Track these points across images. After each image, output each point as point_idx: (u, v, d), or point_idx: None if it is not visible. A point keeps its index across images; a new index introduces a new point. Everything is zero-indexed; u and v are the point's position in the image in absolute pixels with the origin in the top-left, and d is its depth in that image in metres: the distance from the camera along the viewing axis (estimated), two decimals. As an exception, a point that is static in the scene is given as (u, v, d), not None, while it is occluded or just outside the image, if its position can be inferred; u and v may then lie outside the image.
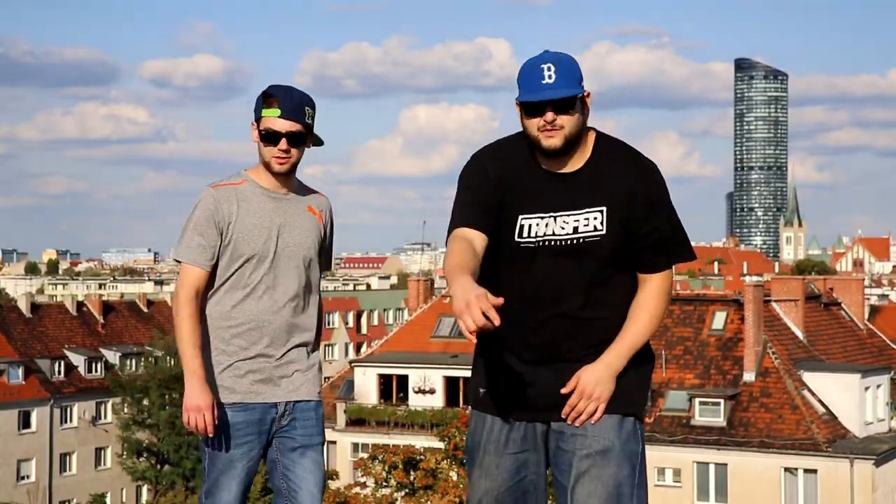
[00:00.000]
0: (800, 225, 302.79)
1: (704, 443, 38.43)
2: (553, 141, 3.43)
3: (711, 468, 38.49)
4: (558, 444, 3.58)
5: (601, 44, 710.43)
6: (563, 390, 3.52)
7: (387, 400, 45.25)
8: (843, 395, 38.78)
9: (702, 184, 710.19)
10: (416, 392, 44.87)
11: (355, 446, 42.61)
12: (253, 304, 3.91)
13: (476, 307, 3.10)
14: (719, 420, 38.86)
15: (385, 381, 45.54)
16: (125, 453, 58.83)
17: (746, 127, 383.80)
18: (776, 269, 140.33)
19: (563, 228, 3.50)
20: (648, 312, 3.55)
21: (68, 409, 58.35)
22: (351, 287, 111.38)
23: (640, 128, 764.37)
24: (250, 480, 3.99)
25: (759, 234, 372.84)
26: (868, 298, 58.05)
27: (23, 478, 55.75)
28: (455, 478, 27.16)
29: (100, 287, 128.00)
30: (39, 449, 56.34)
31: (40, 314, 61.76)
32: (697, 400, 39.23)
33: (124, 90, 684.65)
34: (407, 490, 27.90)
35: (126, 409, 58.94)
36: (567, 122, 3.42)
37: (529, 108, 3.43)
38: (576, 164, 3.53)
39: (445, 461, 27.90)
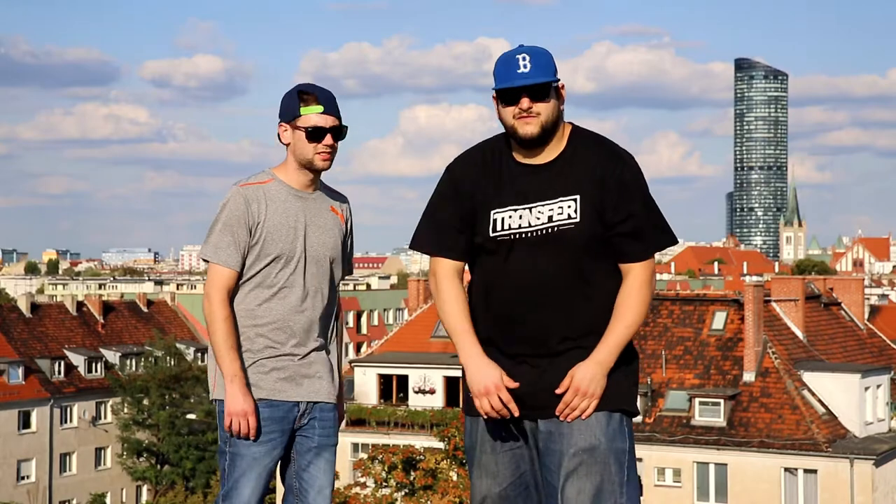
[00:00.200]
0: (800, 225, 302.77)
1: (704, 443, 38.42)
2: (529, 128, 3.49)
3: (711, 468, 38.48)
4: (546, 444, 3.60)
5: (601, 44, 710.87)
6: (558, 390, 3.53)
7: (387, 400, 45.24)
8: (843, 395, 38.77)
9: (702, 184, 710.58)
10: (416, 392, 44.86)
11: (355, 446, 42.59)
12: (278, 302, 3.91)
13: (496, 396, 3.49)
14: (719, 420, 38.85)
15: (385, 381, 45.52)
16: (125, 453, 58.87)
17: (746, 127, 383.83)
18: (776, 269, 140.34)
19: (538, 219, 3.53)
20: (633, 307, 3.57)
21: (68, 409, 58.36)
22: (351, 287, 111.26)
23: (640, 128, 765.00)
24: (269, 481, 3.98)
25: (759, 234, 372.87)
26: (868, 298, 58.04)
27: (23, 478, 55.76)
28: (455, 478, 27.14)
29: (100, 287, 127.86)
30: (39, 449, 56.35)
31: (40, 314, 61.77)
32: (697, 400, 39.21)
33: (124, 90, 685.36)
34: (407, 490, 27.89)
35: (126, 409, 58.97)
36: (543, 109, 3.49)
37: (505, 97, 3.50)
38: (550, 155, 3.57)
39: (445, 461, 27.89)
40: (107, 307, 65.99)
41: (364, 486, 28.05)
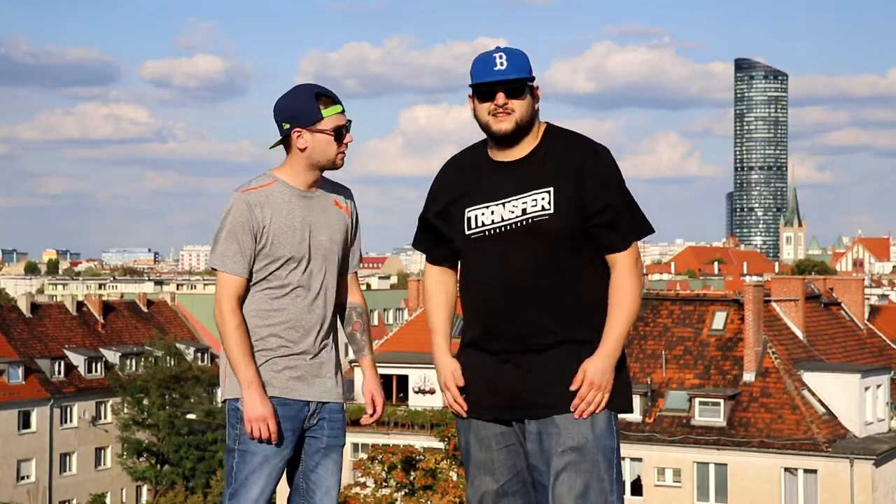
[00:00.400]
0: (800, 225, 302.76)
1: (704, 443, 38.42)
2: (503, 125, 3.56)
3: (711, 468, 38.48)
4: (535, 444, 3.62)
5: (601, 44, 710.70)
6: (573, 386, 3.55)
7: (387, 400, 45.24)
8: (843, 395, 38.77)
9: (702, 184, 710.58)
10: (416, 392, 44.88)
11: (355, 446, 42.58)
12: (290, 302, 3.91)
13: (447, 391, 3.72)
14: (719, 420, 38.85)
15: (385, 381, 45.51)
16: (125, 453, 58.86)
17: (746, 127, 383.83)
18: (776, 269, 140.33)
19: (511, 212, 3.58)
20: (627, 295, 3.60)
21: (68, 409, 58.36)
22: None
23: (640, 128, 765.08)
24: (278, 481, 3.97)
25: (759, 234, 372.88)
26: (868, 298, 58.03)
27: (23, 478, 55.76)
28: (455, 478, 27.16)
29: (100, 287, 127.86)
30: (39, 449, 56.35)
31: (40, 314, 61.77)
32: (697, 400, 39.21)
33: (124, 90, 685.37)
34: (407, 490, 27.90)
35: (126, 409, 58.98)
36: (518, 106, 3.56)
37: (481, 94, 3.57)
38: (523, 152, 3.63)
39: (445, 461, 27.90)
40: (107, 307, 65.99)
41: (364, 486, 28.06)
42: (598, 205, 3.56)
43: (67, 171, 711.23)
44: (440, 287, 3.82)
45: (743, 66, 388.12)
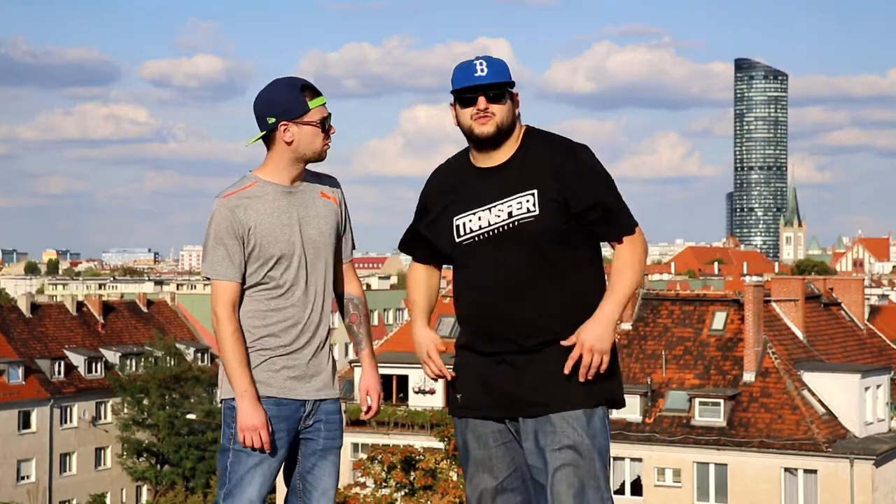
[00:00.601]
0: (800, 225, 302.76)
1: (704, 443, 38.42)
2: (485, 128, 3.64)
3: (711, 468, 38.47)
4: (530, 443, 3.66)
5: (601, 44, 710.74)
6: (564, 342, 3.60)
7: (387, 400, 45.23)
8: (843, 395, 38.77)
9: (702, 184, 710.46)
10: (416, 392, 44.88)
11: (355, 446, 42.59)
12: (286, 301, 3.88)
13: (430, 361, 3.87)
14: (719, 420, 38.85)
15: (385, 381, 45.51)
16: (125, 453, 58.86)
17: (746, 127, 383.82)
18: (776, 269, 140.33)
19: (498, 217, 3.65)
20: (628, 264, 3.66)
21: (68, 409, 58.35)
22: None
23: (640, 128, 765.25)
24: (273, 482, 3.95)
25: (759, 234, 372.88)
26: (868, 298, 58.02)
27: (23, 478, 55.76)
28: (455, 478, 27.15)
29: (100, 287, 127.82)
30: (39, 449, 56.35)
31: (40, 314, 61.76)
32: (697, 400, 39.21)
33: (124, 90, 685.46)
34: (406, 490, 27.89)
35: (126, 409, 58.97)
36: (499, 110, 3.64)
37: (463, 100, 3.66)
38: (505, 156, 3.70)
39: (445, 461, 27.90)
40: (107, 307, 65.99)
41: (364, 486, 28.05)
42: (585, 202, 3.62)
43: (67, 171, 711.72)
44: (424, 274, 3.97)
45: (743, 66, 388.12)
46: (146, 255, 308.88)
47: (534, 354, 3.64)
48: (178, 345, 62.83)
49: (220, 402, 3.97)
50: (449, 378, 3.79)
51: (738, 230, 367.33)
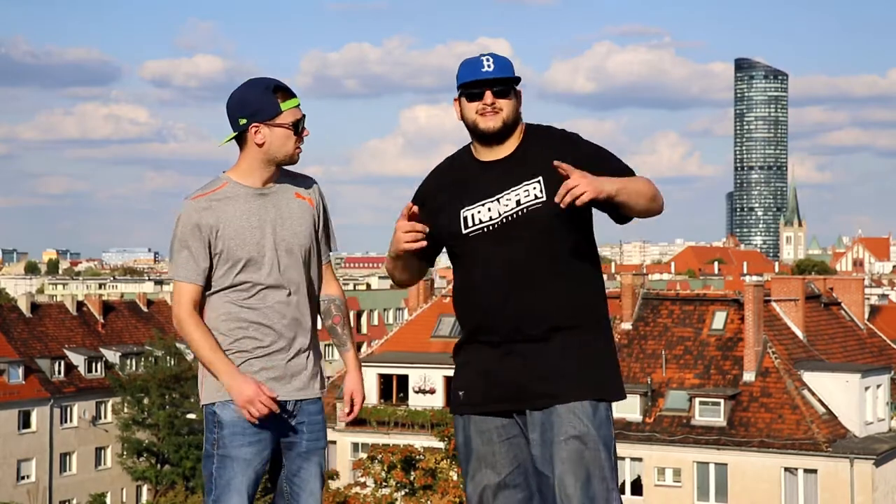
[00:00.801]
0: (800, 225, 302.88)
1: (704, 443, 38.42)
2: (491, 123, 3.68)
3: (711, 468, 38.48)
4: (537, 434, 3.67)
5: (602, 44, 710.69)
6: (556, 162, 3.58)
7: (387, 400, 45.25)
8: (843, 394, 38.78)
9: (702, 184, 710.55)
10: (416, 392, 44.88)
11: (355, 446, 42.61)
12: (260, 302, 3.84)
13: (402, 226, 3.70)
14: (719, 420, 38.86)
15: (385, 380, 45.54)
16: (125, 453, 58.84)
17: (746, 127, 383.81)
18: (776, 269, 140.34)
19: (506, 206, 3.68)
20: (648, 182, 3.70)
21: (68, 409, 58.34)
22: (351, 287, 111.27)
23: (640, 128, 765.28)
24: (258, 484, 3.92)
25: (759, 234, 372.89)
26: (868, 298, 58.02)
27: (23, 478, 55.75)
28: (455, 477, 27.15)
29: (100, 287, 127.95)
30: (39, 449, 56.34)
31: (40, 314, 61.75)
32: (697, 400, 39.22)
33: (124, 90, 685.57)
34: (406, 490, 27.89)
35: (126, 409, 58.95)
36: (505, 105, 3.69)
37: (470, 94, 3.69)
38: (508, 150, 3.74)
39: (445, 461, 27.90)
40: (107, 307, 65.97)
41: (364, 485, 28.04)
42: (608, 174, 3.64)
43: (67, 171, 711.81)
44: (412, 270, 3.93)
45: (743, 66, 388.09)
46: (146, 254, 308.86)
47: (541, 344, 3.66)
48: (178, 344, 62.75)
49: (201, 407, 3.93)
50: (413, 210, 3.70)
51: (738, 230, 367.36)
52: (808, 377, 39.75)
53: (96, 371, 60.02)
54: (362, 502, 27.01)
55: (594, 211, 3.75)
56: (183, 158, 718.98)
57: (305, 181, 3.99)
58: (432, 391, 44.59)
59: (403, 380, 45.27)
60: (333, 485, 28.76)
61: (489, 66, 3.68)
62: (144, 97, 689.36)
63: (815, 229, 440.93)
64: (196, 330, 3.78)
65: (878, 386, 39.81)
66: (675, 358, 41.31)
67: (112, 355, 61.48)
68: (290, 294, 3.88)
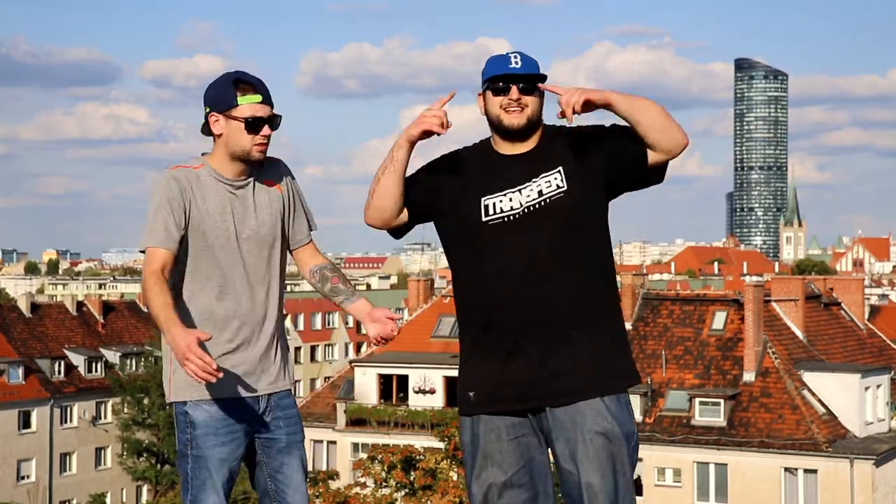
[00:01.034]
0: (800, 225, 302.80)
1: (704, 443, 38.41)
2: (516, 119, 3.69)
3: (711, 468, 38.47)
4: (557, 432, 3.65)
5: (602, 44, 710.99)
6: (540, 84, 3.68)
7: (387, 400, 45.22)
8: (843, 395, 38.77)
9: (702, 184, 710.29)
10: (416, 392, 44.84)
11: (355, 446, 42.58)
12: (224, 295, 3.81)
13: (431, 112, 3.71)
14: (719, 420, 38.85)
15: (385, 380, 45.51)
16: (125, 453, 58.81)
17: (746, 127, 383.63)
18: (776, 269, 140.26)
19: (528, 197, 3.67)
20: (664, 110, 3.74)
21: (68, 409, 58.32)
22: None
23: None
24: (234, 482, 3.88)
25: (759, 234, 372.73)
26: (868, 298, 58.00)
27: (23, 478, 55.73)
28: (455, 478, 27.14)
29: (100, 287, 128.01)
30: (39, 449, 56.32)
31: (40, 314, 61.73)
32: (697, 400, 39.21)
33: (125, 90, 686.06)
34: (407, 490, 27.87)
35: (126, 409, 58.91)
36: (530, 102, 3.70)
37: (495, 89, 3.70)
38: (529, 146, 3.75)
39: (445, 461, 27.88)
40: (107, 307, 65.95)
41: (364, 485, 28.03)
42: (632, 145, 3.69)
43: (67, 171, 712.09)
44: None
45: (743, 66, 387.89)
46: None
47: (560, 337, 3.64)
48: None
49: (168, 405, 3.88)
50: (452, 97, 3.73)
51: (738, 230, 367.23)
52: (808, 377, 39.74)
53: (96, 371, 60.00)
54: (362, 502, 27.00)
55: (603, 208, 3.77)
56: (183, 159, 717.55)
57: (273, 166, 3.96)
58: (432, 391, 44.57)
59: (403, 380, 45.25)
60: (333, 485, 28.75)
61: (517, 62, 3.70)
62: (144, 97, 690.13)
63: (815, 229, 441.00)
64: (157, 285, 3.66)
65: (878, 386, 39.81)
66: (675, 358, 41.30)
67: (112, 355, 61.45)
68: (256, 287, 3.85)
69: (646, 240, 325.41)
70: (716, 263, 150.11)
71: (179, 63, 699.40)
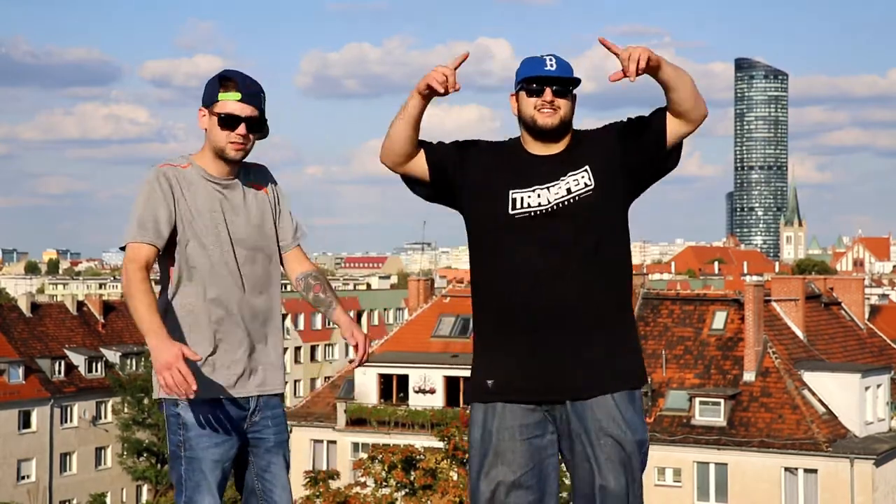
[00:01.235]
0: (800, 225, 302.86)
1: (704, 443, 38.40)
2: (549, 119, 3.74)
3: (711, 468, 38.46)
4: (575, 427, 3.70)
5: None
6: (600, 38, 3.84)
7: (387, 400, 45.21)
8: (843, 394, 38.76)
9: (702, 184, 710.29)
10: (417, 392, 44.83)
11: (355, 446, 42.56)
12: (221, 292, 3.79)
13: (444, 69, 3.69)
14: (719, 420, 38.84)
15: (385, 380, 45.49)
16: (125, 453, 58.83)
17: (746, 127, 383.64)
18: (776, 269, 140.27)
19: (556, 194, 3.71)
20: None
21: (68, 409, 58.33)
22: (351, 287, 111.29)
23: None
24: (227, 480, 3.88)
25: (759, 233, 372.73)
26: (868, 298, 58.00)
27: (23, 478, 55.73)
28: (455, 477, 27.13)
29: (100, 287, 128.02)
30: (39, 449, 56.32)
31: (40, 314, 61.73)
32: (697, 400, 39.20)
33: (125, 90, 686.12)
34: (407, 490, 27.87)
35: (126, 409, 58.93)
36: (563, 105, 3.77)
37: (530, 90, 3.75)
38: (559, 148, 3.80)
39: (445, 461, 27.87)
40: (107, 307, 65.94)
41: (364, 485, 28.02)
42: (656, 117, 3.81)
43: (67, 171, 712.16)
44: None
45: (743, 66, 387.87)
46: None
47: (581, 333, 3.68)
48: (178, 344, 62.81)
49: (155, 402, 3.90)
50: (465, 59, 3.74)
51: (738, 230, 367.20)
52: (809, 377, 39.73)
53: (96, 371, 60.00)
54: (362, 502, 26.99)
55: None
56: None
57: (258, 171, 3.97)
58: (432, 391, 44.55)
59: (403, 380, 45.23)
60: (333, 485, 28.74)
61: (552, 65, 3.79)
62: (144, 97, 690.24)
63: (815, 229, 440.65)
64: (140, 283, 3.63)
65: (879, 386, 39.80)
66: (675, 358, 41.29)
67: (112, 355, 61.46)
68: (249, 288, 3.84)
69: (646, 239, 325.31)
70: (716, 263, 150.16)
71: (179, 63, 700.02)
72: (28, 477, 55.96)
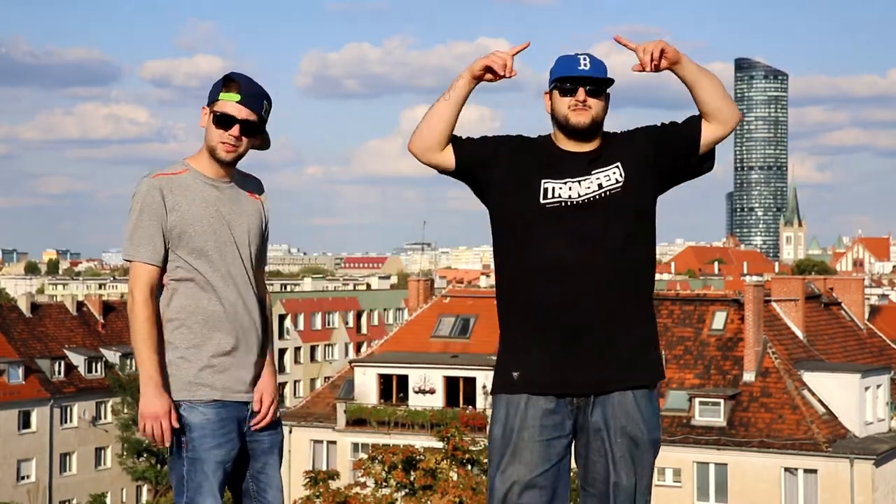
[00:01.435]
0: (800, 225, 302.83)
1: (704, 443, 38.41)
2: (582, 118, 3.76)
3: (711, 468, 38.48)
4: (594, 423, 3.75)
5: (601, 44, 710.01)
6: (616, 36, 3.81)
7: (387, 400, 45.21)
8: (843, 395, 38.77)
9: (702, 184, 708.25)
10: (416, 392, 44.83)
11: (355, 446, 42.55)
12: (223, 295, 3.79)
13: (501, 55, 3.78)
14: (719, 420, 38.85)
15: (385, 381, 45.49)
16: (125, 453, 58.84)
17: (746, 127, 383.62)
18: (776, 269, 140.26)
19: (588, 188, 3.74)
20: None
21: (68, 409, 58.34)
22: (351, 287, 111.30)
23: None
24: (227, 481, 3.88)
25: (759, 234, 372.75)
26: (868, 298, 58.04)
27: (23, 478, 55.75)
28: (455, 478, 27.14)
29: (100, 287, 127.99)
30: (39, 449, 56.33)
31: (40, 314, 61.74)
32: (697, 400, 39.21)
33: (125, 90, 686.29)
34: (407, 490, 27.87)
35: (126, 409, 58.93)
36: (596, 105, 3.78)
37: (563, 89, 3.76)
38: (591, 147, 3.83)
39: (445, 461, 27.87)
40: (107, 307, 65.96)
41: (364, 486, 28.03)
42: (689, 123, 3.84)
43: (67, 171, 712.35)
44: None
45: (743, 66, 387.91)
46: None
47: (609, 328, 3.71)
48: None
49: None
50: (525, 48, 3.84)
51: (738, 230, 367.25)
52: (808, 377, 39.74)
53: (96, 371, 60.02)
54: (362, 502, 27.00)
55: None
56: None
57: (253, 182, 3.97)
58: (432, 391, 44.55)
59: (403, 380, 45.22)
60: (333, 485, 28.74)
61: (585, 64, 3.77)
62: (144, 97, 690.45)
63: (815, 229, 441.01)
64: (146, 323, 3.68)
65: (878, 386, 39.81)
66: (675, 358, 41.31)
67: (112, 355, 61.47)
68: (246, 291, 3.84)
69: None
70: (716, 263, 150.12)
71: (179, 63, 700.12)
72: (28, 477, 55.97)
